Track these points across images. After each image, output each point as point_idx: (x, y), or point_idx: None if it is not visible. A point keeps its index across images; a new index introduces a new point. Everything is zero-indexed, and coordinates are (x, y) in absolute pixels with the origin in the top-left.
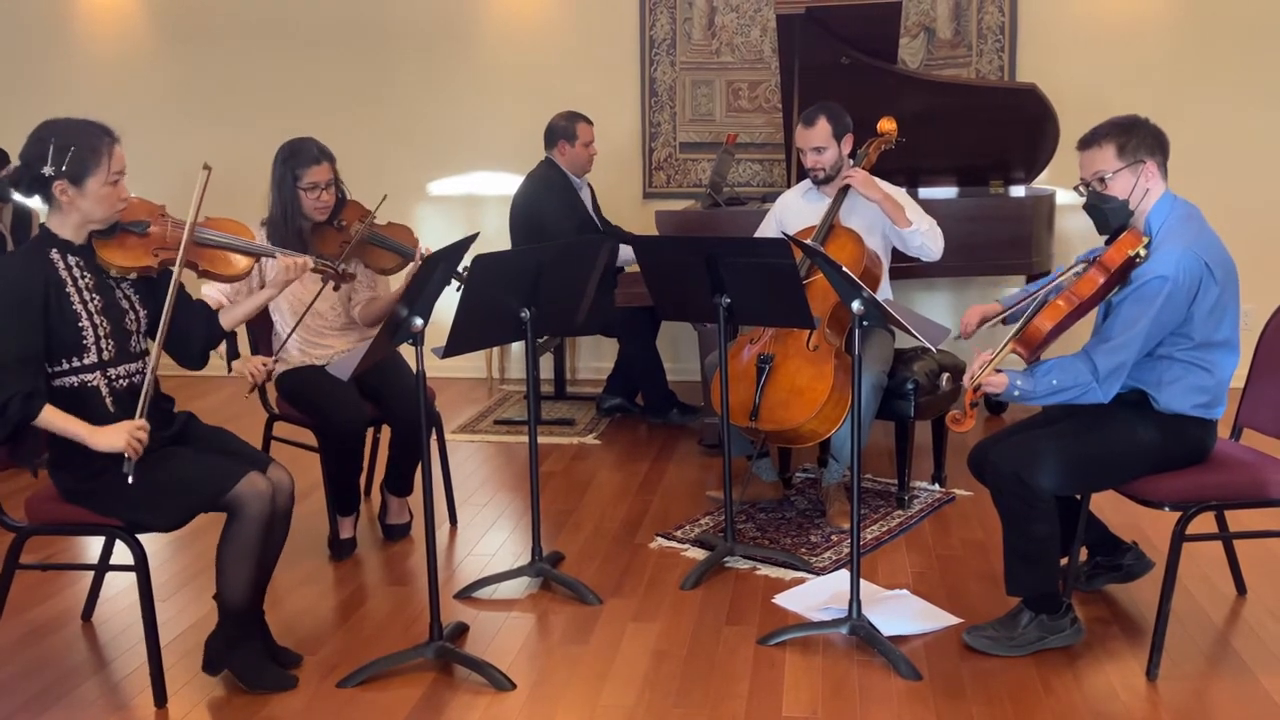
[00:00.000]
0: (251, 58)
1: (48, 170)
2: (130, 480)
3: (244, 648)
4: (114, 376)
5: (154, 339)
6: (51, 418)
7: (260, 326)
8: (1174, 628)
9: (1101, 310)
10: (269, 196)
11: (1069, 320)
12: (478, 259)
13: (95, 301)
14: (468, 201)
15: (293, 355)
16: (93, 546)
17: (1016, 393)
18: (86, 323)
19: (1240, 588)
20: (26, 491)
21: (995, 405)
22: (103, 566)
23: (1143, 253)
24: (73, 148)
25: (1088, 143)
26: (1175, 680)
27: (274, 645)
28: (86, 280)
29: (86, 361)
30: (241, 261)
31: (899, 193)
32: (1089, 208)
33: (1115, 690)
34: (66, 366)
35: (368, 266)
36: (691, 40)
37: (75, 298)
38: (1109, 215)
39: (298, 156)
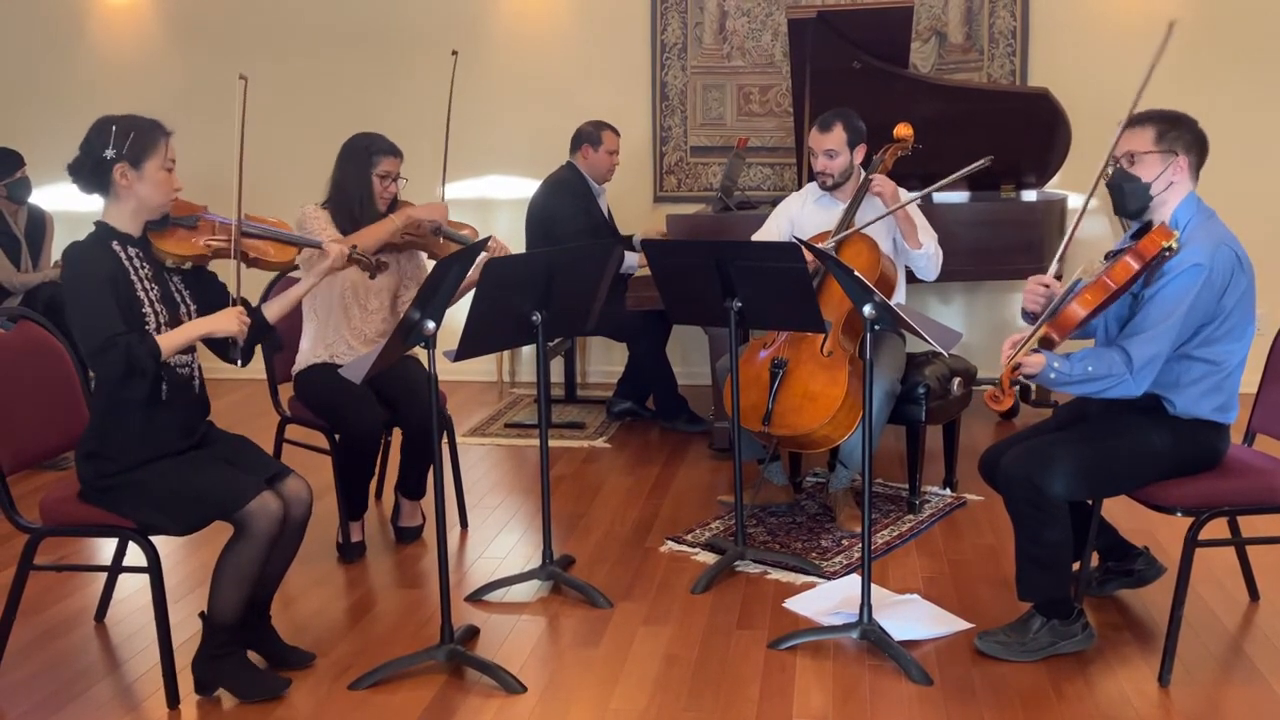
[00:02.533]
0: (265, 62)
1: (109, 153)
2: (240, 364)
3: (230, 660)
4: (176, 364)
5: None
6: (171, 340)
7: (290, 320)
8: (1186, 633)
9: (1128, 308)
10: (330, 189)
11: (1102, 307)
12: (490, 262)
13: (154, 291)
14: (480, 205)
15: (309, 347)
16: (106, 548)
17: (1053, 374)
18: (149, 310)
19: (1253, 593)
20: (40, 494)
21: (1009, 410)
22: (116, 568)
23: (1174, 246)
24: (133, 132)
25: (1132, 122)
26: (1187, 686)
27: (282, 647)
28: (146, 271)
29: None
30: (288, 250)
31: (914, 209)
32: (1111, 185)
33: (1127, 696)
34: None
35: (431, 258)
36: (703, 44)
37: (139, 286)
38: (1127, 195)
39: (375, 144)
